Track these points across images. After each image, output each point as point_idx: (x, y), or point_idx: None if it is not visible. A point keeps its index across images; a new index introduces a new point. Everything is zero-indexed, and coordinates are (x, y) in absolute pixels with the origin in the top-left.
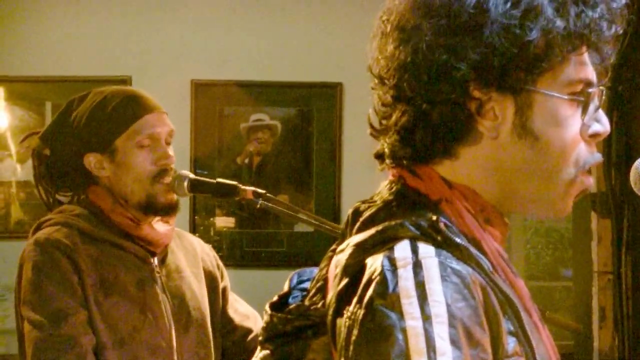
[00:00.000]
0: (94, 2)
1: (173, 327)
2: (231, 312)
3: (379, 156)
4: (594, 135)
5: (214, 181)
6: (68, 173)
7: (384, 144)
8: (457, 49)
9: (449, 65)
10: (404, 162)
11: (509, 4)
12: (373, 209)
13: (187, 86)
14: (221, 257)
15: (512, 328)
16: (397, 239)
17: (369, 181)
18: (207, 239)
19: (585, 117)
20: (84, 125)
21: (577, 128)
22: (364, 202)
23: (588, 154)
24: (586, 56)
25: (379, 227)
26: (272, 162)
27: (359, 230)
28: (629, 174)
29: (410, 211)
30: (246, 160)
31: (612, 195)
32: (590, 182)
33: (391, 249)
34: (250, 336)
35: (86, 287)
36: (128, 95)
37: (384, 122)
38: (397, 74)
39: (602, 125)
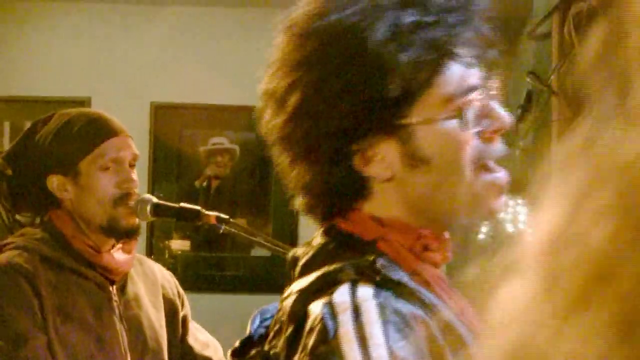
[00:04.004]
0: (54, 22)
1: (129, 356)
2: (191, 341)
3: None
4: (494, 132)
5: (177, 205)
6: (30, 194)
7: (297, 203)
8: (318, 114)
9: (314, 134)
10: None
11: (349, 60)
12: (311, 253)
13: (147, 108)
14: None
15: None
16: (337, 282)
17: None
18: (161, 261)
19: (468, 126)
20: (48, 147)
21: (466, 136)
22: (301, 246)
23: (484, 149)
24: (453, 66)
25: (319, 273)
26: (230, 186)
27: (301, 275)
28: None
29: (348, 253)
30: (204, 184)
31: None
32: (497, 177)
33: (332, 294)
34: None
35: (46, 312)
36: (93, 118)
37: (287, 183)
38: (278, 143)
39: (498, 118)
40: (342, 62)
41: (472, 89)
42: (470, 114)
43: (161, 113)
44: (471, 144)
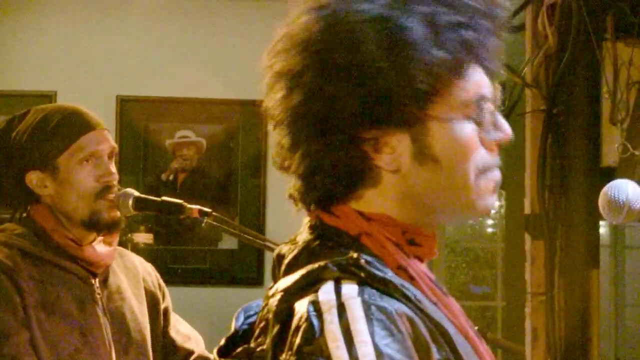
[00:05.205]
0: (18, 15)
1: (113, 349)
2: (173, 333)
3: (292, 197)
4: (497, 142)
5: (159, 199)
6: (9, 191)
7: (291, 187)
8: (338, 96)
9: (332, 115)
10: (313, 206)
11: (381, 48)
12: (295, 251)
13: (113, 101)
14: None
15: (443, 355)
16: (321, 281)
17: None
18: None
19: (483, 132)
20: (25, 143)
21: (476, 142)
22: (286, 243)
23: (488, 159)
24: (473, 71)
25: (303, 271)
26: (196, 179)
27: (285, 273)
28: (563, 196)
29: (331, 250)
30: (170, 177)
31: (546, 217)
32: (494, 175)
33: (316, 293)
34: (192, 358)
35: (28, 307)
36: (70, 113)
37: (285, 164)
38: (288, 122)
39: (502, 131)
40: (372, 48)
41: (486, 96)
42: (485, 121)
43: (127, 106)
44: (479, 151)
